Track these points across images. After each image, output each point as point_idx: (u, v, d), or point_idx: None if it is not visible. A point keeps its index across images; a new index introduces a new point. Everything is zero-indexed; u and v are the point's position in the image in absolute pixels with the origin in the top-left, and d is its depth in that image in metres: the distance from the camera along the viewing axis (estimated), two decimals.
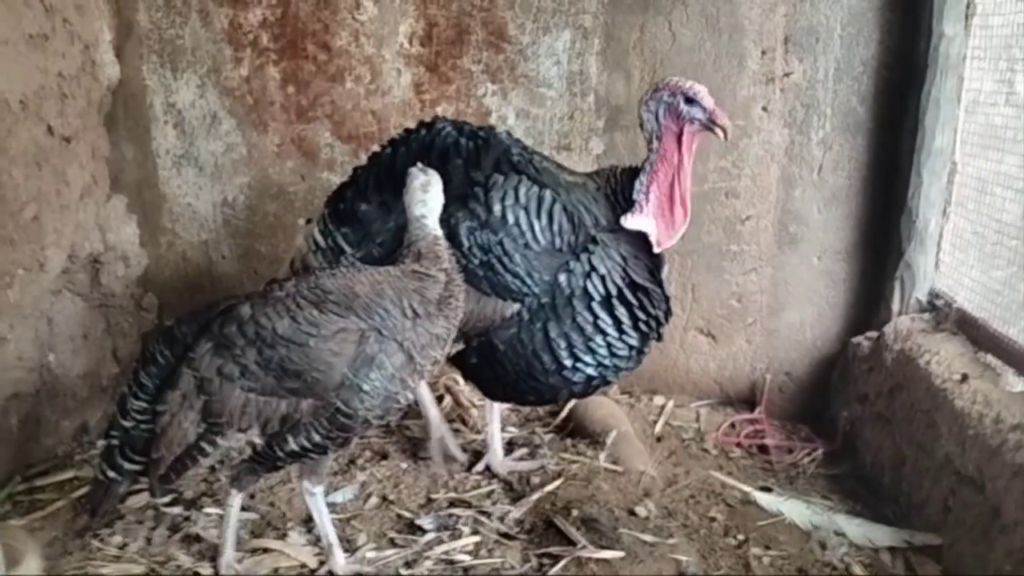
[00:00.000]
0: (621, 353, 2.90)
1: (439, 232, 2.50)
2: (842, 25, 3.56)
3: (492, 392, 3.13)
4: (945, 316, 3.37)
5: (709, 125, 2.76)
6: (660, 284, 2.92)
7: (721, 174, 3.76)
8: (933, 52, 3.32)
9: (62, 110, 3.39)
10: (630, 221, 2.86)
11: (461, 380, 3.88)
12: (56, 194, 3.37)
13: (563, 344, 2.83)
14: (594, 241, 2.84)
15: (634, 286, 2.84)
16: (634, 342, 2.90)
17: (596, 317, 2.83)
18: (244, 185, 3.96)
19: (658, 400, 4.03)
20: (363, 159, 3.77)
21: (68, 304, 3.51)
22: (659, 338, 3.00)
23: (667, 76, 3.61)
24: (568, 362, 2.86)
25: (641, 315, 2.86)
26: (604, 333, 2.84)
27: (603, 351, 2.87)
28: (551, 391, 2.99)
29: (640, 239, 2.88)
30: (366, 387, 2.31)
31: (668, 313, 2.96)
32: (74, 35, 3.46)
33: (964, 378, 2.93)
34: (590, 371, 2.90)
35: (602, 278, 2.81)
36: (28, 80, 3.17)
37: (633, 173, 2.88)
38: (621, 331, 2.86)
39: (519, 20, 3.70)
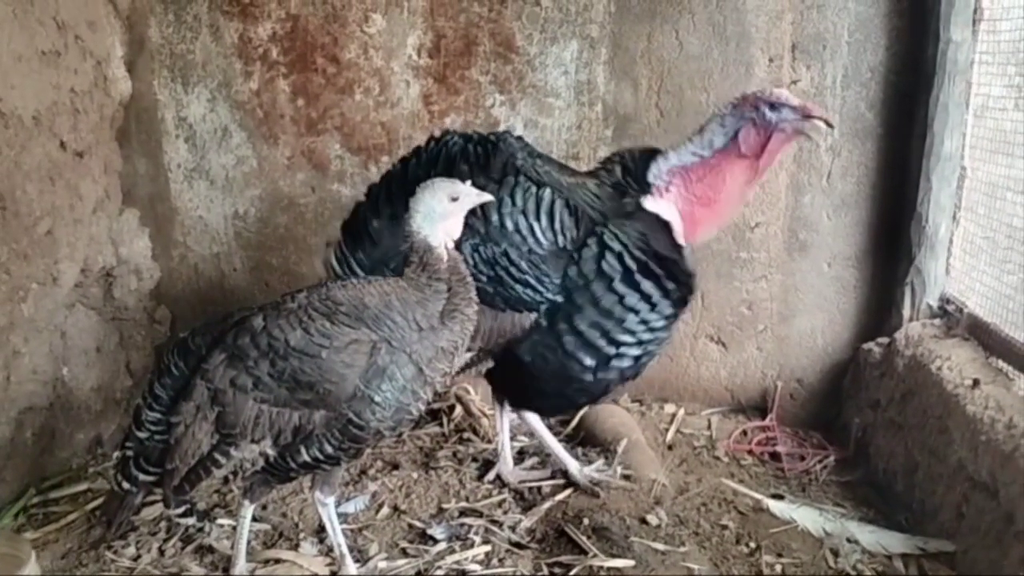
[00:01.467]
0: (658, 324, 2.81)
1: (434, 243, 2.39)
2: (849, 32, 3.57)
3: (542, 407, 3.07)
4: (956, 321, 3.36)
5: (804, 123, 2.67)
6: (683, 258, 2.84)
7: None
8: (941, 58, 3.32)
9: (75, 125, 3.42)
10: (650, 203, 2.79)
11: (472, 390, 3.90)
12: (69, 208, 3.40)
13: (597, 333, 2.77)
14: (603, 225, 2.77)
15: (658, 257, 2.76)
16: (669, 310, 2.82)
17: (621, 296, 2.75)
18: (255, 198, 3.99)
19: (669, 408, 4.02)
20: (373, 171, 3.82)
21: (82, 318, 3.54)
22: (686, 303, 2.90)
23: (672, 85, 3.66)
24: (611, 349, 2.79)
25: (670, 284, 2.78)
26: (635, 311, 2.76)
27: (640, 327, 2.79)
28: (599, 385, 2.90)
29: (660, 225, 2.80)
30: (378, 398, 2.30)
31: (694, 286, 2.89)
32: (86, 51, 3.49)
33: (976, 383, 2.92)
34: (634, 351, 2.82)
35: (618, 256, 2.74)
36: (41, 96, 3.20)
37: (650, 155, 2.83)
38: (652, 304, 2.77)
39: (526, 31, 3.72)
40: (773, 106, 2.68)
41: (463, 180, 2.51)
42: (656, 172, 2.80)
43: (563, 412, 3.18)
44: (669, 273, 2.79)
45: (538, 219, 2.78)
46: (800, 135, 2.73)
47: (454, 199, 2.39)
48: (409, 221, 2.40)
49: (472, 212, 2.58)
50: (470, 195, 2.44)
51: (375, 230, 2.92)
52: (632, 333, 2.80)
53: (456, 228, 2.45)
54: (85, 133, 3.50)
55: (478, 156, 2.87)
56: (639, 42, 3.70)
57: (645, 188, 2.81)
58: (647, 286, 2.77)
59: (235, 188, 3.98)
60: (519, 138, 3.03)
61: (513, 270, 2.76)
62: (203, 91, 3.87)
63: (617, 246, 2.75)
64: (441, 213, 2.38)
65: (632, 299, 2.76)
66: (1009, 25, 3.12)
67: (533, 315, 2.81)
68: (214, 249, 4.06)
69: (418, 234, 2.39)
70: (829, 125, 2.72)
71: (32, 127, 3.15)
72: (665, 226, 2.81)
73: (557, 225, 2.78)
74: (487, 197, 2.49)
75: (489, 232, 2.77)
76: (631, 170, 2.86)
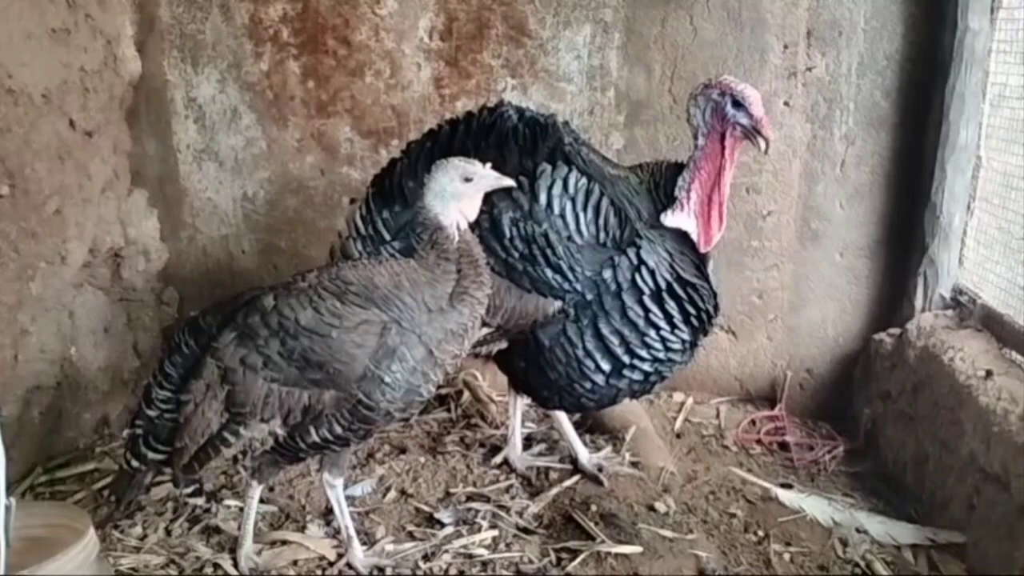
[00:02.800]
0: (675, 347, 2.84)
1: (445, 222, 2.36)
2: (866, 19, 3.54)
3: (546, 399, 3.05)
4: (969, 312, 3.34)
5: (752, 133, 2.65)
6: (707, 279, 2.85)
7: (742, 169, 3.71)
8: (958, 46, 3.30)
9: (84, 104, 3.40)
10: (670, 218, 2.79)
11: (480, 376, 3.89)
12: (78, 188, 3.39)
13: (617, 341, 2.78)
14: (639, 235, 2.78)
15: (682, 281, 2.79)
16: (686, 336, 2.84)
17: (648, 311, 2.77)
18: (264, 180, 3.97)
19: (678, 397, 4.03)
20: (383, 154, 3.79)
21: (90, 297, 3.53)
22: (706, 332, 2.93)
23: (686, 71, 3.64)
24: (626, 359, 2.80)
25: (691, 309, 2.81)
26: (657, 327, 2.79)
27: (658, 345, 2.81)
28: (609, 392, 2.91)
29: (683, 235, 2.81)
30: (388, 379, 2.30)
31: (717, 308, 2.90)
32: (96, 30, 3.47)
33: (988, 374, 2.91)
34: (647, 367, 2.84)
35: (651, 272, 2.76)
36: (51, 74, 3.18)
37: (677, 168, 2.81)
38: (673, 325, 2.80)
39: (539, 14, 3.69)
40: (736, 102, 2.64)
41: (510, 161, 2.48)
42: (681, 183, 2.78)
43: (565, 409, 3.15)
44: (690, 299, 2.80)
45: (585, 211, 2.76)
46: (747, 140, 2.68)
47: (467, 180, 2.36)
48: (421, 198, 2.38)
49: (520, 187, 2.59)
50: (487, 177, 2.40)
51: (411, 191, 2.84)
52: (649, 348, 2.81)
53: (472, 209, 2.42)
54: (94, 112, 3.48)
55: (526, 138, 2.83)
56: (653, 27, 3.67)
57: (671, 201, 2.79)
58: (671, 306, 2.79)
59: (244, 170, 3.96)
60: (566, 123, 2.97)
61: (549, 252, 2.74)
62: (213, 72, 3.85)
63: (651, 263, 2.76)
64: (452, 193, 2.36)
65: (656, 316, 2.78)
66: None
67: (558, 303, 2.79)
68: (223, 231, 4.05)
69: (429, 212, 2.37)
70: (765, 149, 2.68)
71: (42, 105, 3.13)
72: (688, 239, 2.81)
73: (601, 221, 2.77)
74: (507, 182, 2.45)
75: (533, 210, 2.75)
76: (663, 179, 2.84)
